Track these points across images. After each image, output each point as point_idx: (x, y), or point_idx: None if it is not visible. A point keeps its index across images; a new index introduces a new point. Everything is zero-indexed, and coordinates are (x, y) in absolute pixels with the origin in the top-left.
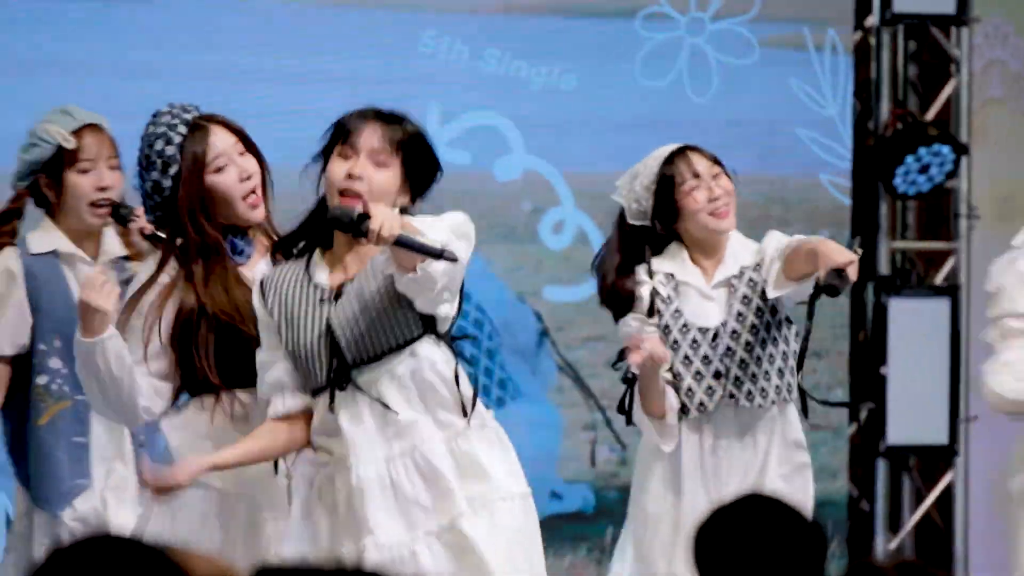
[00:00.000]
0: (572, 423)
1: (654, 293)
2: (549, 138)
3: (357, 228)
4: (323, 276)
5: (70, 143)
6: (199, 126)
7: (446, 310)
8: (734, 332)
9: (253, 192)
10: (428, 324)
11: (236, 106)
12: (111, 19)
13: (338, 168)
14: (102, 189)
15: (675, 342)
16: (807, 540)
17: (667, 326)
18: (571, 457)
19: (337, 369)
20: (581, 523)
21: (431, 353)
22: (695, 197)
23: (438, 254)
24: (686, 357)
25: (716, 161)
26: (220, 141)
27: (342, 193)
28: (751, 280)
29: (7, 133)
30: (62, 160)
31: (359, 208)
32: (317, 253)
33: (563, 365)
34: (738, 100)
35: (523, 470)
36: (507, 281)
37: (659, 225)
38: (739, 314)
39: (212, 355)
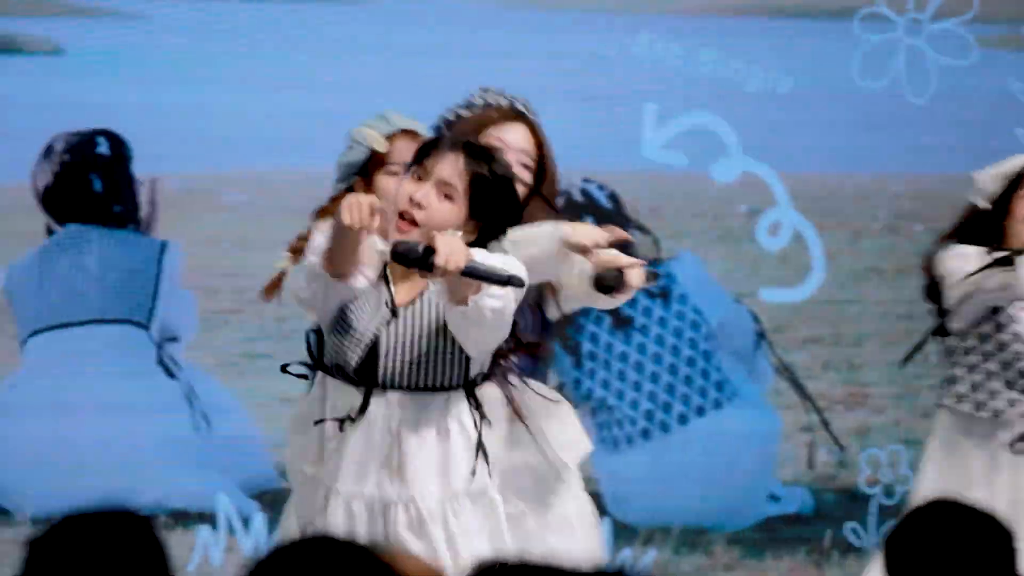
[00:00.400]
0: (790, 425)
1: None
2: (765, 139)
3: (424, 262)
4: (391, 285)
5: (382, 146)
6: (506, 114)
7: (485, 348)
8: None
9: None
10: (466, 375)
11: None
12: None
13: (406, 188)
14: None
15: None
16: (997, 545)
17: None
18: (789, 459)
19: (366, 383)
20: (799, 525)
21: (461, 405)
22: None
23: (504, 280)
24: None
25: None
26: (513, 138)
27: (400, 215)
28: None
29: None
30: (375, 163)
31: (423, 242)
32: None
33: (780, 367)
34: (956, 102)
35: (741, 473)
36: (724, 282)
37: (989, 207)
38: None
39: None
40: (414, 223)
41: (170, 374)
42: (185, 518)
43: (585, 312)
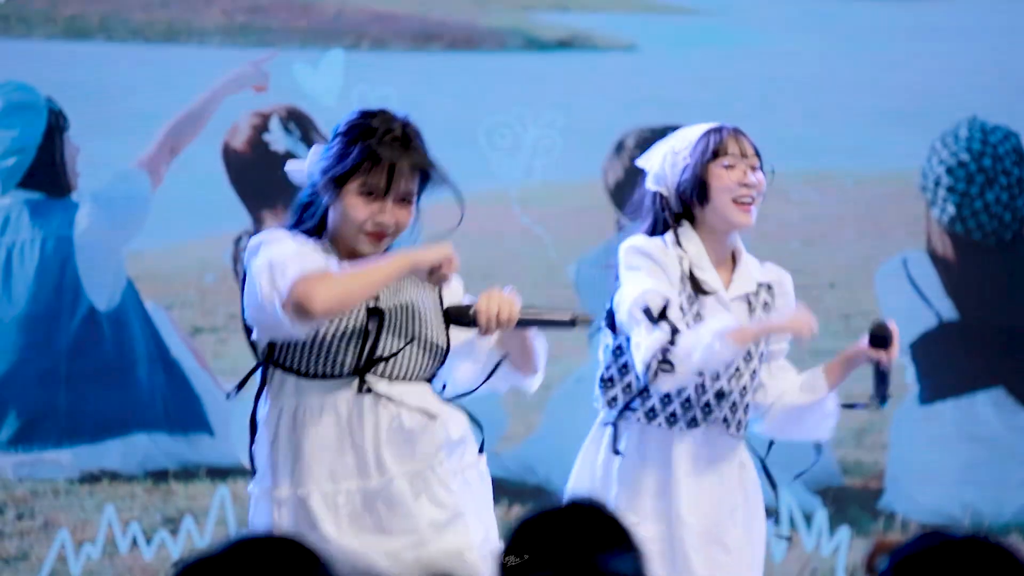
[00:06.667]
0: None
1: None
2: None
3: (473, 321)
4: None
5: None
6: None
7: None
8: (748, 354)
9: None
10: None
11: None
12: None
13: (362, 208)
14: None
15: None
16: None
17: (687, 326)
18: None
19: (367, 362)
20: None
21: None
22: None
23: (569, 323)
24: None
25: None
26: None
27: (368, 234)
28: (766, 302)
29: None
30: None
31: (473, 306)
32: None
33: None
34: None
35: None
36: None
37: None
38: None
39: None
40: (383, 235)
41: None
42: None
43: None
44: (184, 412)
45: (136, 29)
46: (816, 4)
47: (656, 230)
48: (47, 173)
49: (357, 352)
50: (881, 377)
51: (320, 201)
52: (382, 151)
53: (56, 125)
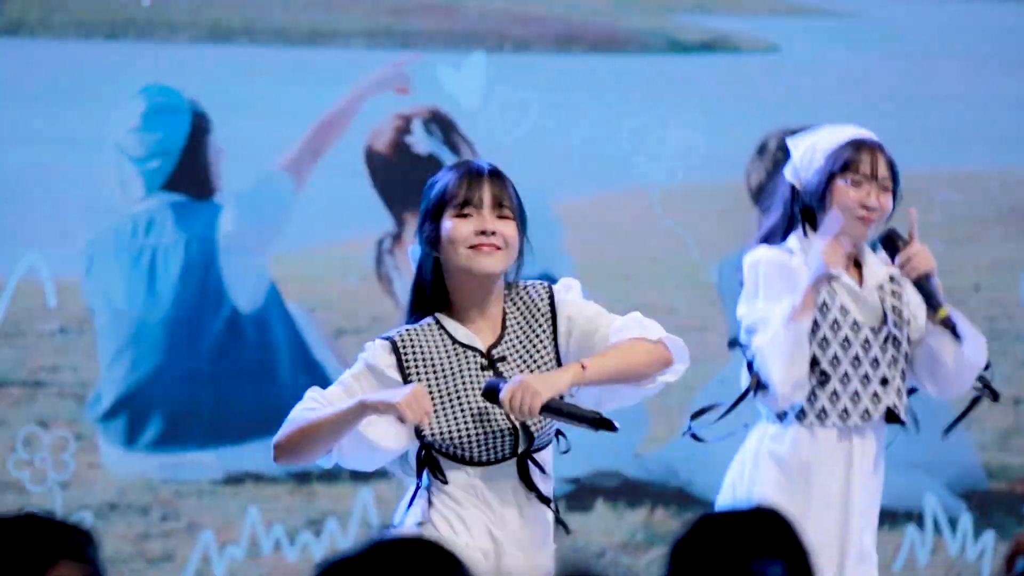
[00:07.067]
0: None
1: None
2: None
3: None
4: (464, 334)
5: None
6: None
7: None
8: (896, 340)
9: None
10: None
11: None
12: None
13: (463, 226)
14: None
15: (846, 340)
16: None
17: (835, 321)
18: None
19: (522, 444)
20: None
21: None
22: None
23: (592, 422)
24: (856, 358)
25: None
26: None
27: (475, 247)
28: (894, 291)
29: None
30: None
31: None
32: (443, 314)
33: None
34: None
35: None
36: None
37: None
38: (895, 323)
39: None
40: (495, 247)
41: None
42: (891, 517)
43: None
44: None
45: (279, 32)
46: (958, 5)
47: (783, 229)
48: (191, 175)
49: (513, 439)
50: (920, 288)
51: (429, 270)
52: (460, 175)
53: (200, 127)
